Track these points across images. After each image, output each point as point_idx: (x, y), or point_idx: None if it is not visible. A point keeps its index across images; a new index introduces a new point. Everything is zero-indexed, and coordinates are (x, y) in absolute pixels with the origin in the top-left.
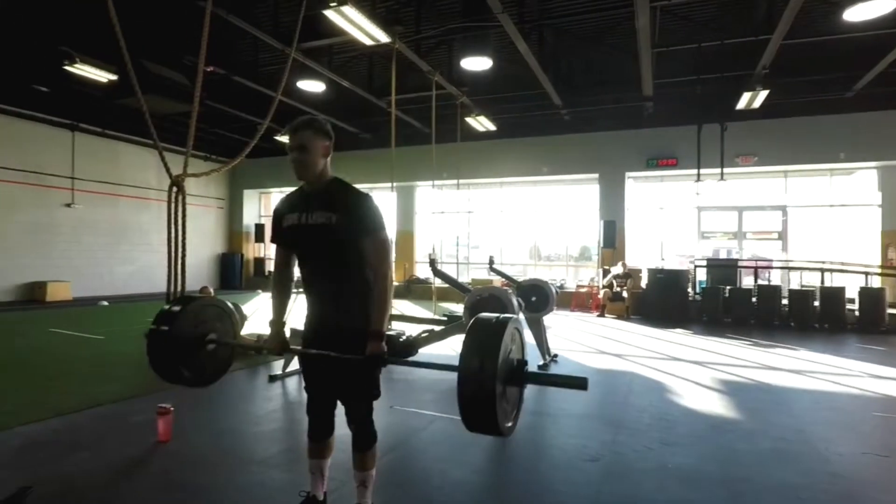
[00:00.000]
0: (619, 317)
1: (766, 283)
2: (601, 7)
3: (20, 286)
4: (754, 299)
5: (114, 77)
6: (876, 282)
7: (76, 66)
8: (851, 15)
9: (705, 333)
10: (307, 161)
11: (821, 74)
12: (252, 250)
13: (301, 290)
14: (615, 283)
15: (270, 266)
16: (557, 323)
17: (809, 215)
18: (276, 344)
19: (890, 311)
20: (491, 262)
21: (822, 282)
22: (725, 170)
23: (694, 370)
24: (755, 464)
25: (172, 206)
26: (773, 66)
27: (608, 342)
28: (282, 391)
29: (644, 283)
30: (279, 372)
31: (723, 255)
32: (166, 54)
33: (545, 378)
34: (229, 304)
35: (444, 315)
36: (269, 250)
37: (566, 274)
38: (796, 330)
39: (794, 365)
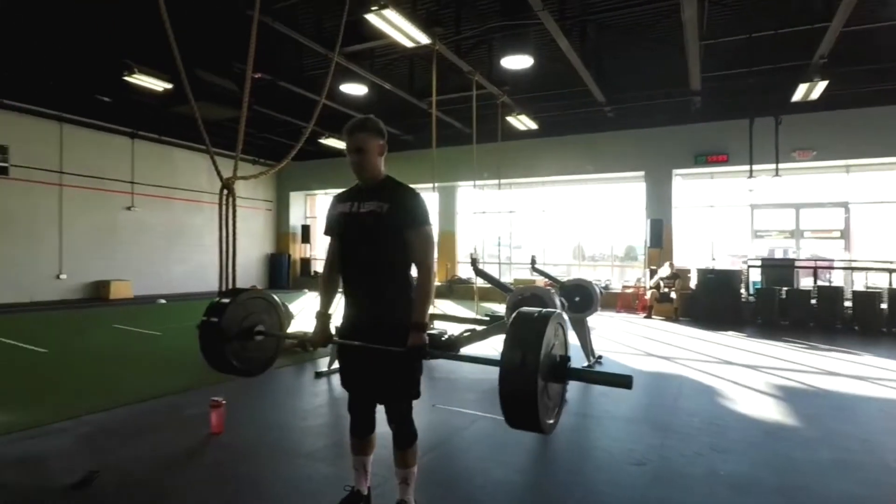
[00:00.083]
0: (667, 318)
1: (826, 284)
2: (645, 0)
3: (87, 285)
4: (813, 301)
5: (169, 86)
6: None
7: (135, 76)
8: None
9: (759, 336)
10: (364, 162)
11: (883, 63)
12: (298, 251)
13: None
14: (662, 284)
15: (316, 266)
16: (602, 324)
17: (875, 212)
18: (321, 335)
19: None
20: (533, 261)
21: (891, 283)
22: (781, 165)
23: (747, 374)
24: (814, 473)
25: (223, 208)
26: (830, 54)
27: (656, 344)
28: (327, 387)
29: (693, 283)
30: (325, 369)
31: (778, 255)
32: (216, 62)
33: (588, 375)
34: (275, 297)
35: (487, 315)
36: (315, 251)
37: (611, 274)
38: (860, 334)
39: (858, 371)
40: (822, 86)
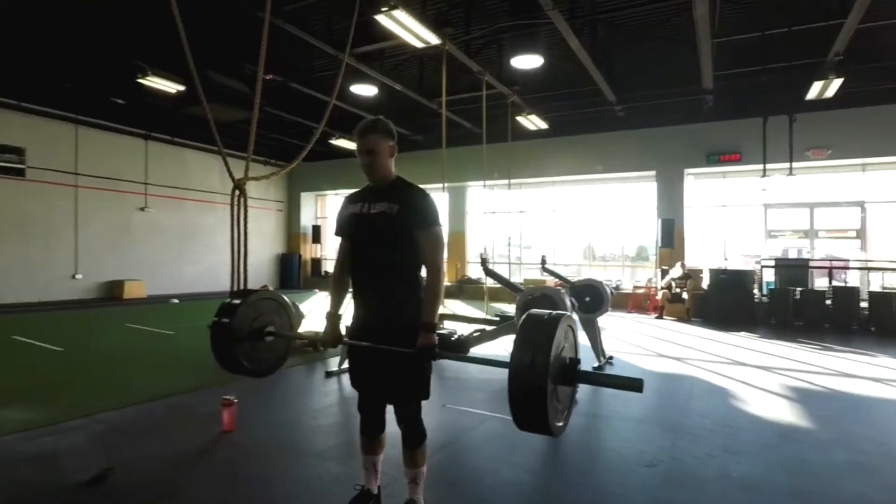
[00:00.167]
0: (679, 319)
1: (842, 284)
2: None
3: (101, 284)
4: (828, 302)
5: (181, 88)
6: None
7: (148, 78)
8: None
9: (773, 337)
10: (375, 163)
11: None
12: (309, 251)
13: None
14: (674, 284)
15: (327, 266)
16: (613, 324)
17: (893, 211)
18: (331, 335)
19: None
20: (543, 261)
21: None
22: (795, 164)
23: (760, 375)
24: (829, 475)
25: (235, 208)
26: (845, 52)
27: (667, 345)
28: (338, 387)
29: (706, 284)
30: (335, 368)
31: (792, 255)
32: (228, 64)
33: (598, 378)
34: (286, 298)
35: (496, 315)
36: (325, 251)
37: (622, 274)
38: (876, 335)
39: (874, 372)
40: (837, 83)
